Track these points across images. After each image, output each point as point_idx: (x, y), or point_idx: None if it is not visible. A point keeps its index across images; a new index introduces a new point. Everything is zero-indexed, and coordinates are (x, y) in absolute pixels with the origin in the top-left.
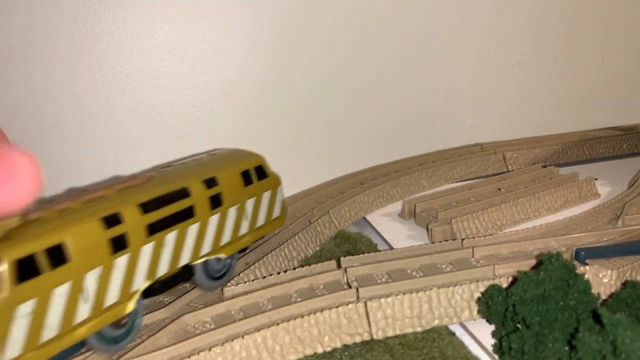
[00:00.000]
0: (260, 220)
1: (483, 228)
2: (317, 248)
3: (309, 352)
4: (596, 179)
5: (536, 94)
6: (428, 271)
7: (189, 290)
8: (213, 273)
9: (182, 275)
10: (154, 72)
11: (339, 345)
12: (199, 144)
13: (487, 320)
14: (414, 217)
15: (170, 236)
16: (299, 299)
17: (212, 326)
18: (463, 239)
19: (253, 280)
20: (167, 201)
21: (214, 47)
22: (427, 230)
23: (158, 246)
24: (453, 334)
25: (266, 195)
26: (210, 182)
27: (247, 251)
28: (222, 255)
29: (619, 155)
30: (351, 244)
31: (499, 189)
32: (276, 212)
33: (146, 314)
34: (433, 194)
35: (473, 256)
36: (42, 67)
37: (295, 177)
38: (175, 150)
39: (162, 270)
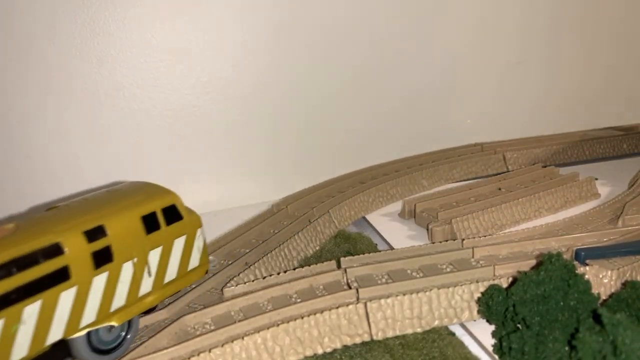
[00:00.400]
0: (171, 274)
1: (483, 228)
2: (317, 248)
3: (309, 353)
4: (596, 179)
5: (537, 94)
6: (428, 271)
7: (189, 291)
8: (102, 345)
9: (56, 353)
10: (154, 72)
11: (338, 346)
12: (199, 144)
13: (487, 321)
14: (414, 217)
15: (32, 309)
16: (299, 300)
17: (212, 327)
18: (463, 239)
19: (253, 281)
20: (28, 263)
21: (214, 47)
22: (427, 230)
23: (10, 324)
24: (453, 334)
25: (179, 243)
26: (95, 233)
27: (248, 251)
28: (113, 324)
29: (619, 155)
30: (351, 244)
31: (499, 189)
32: (194, 262)
33: (146, 314)
34: (433, 194)
35: (473, 256)
36: (41, 67)
37: (295, 175)
38: (175, 151)
39: (20, 353)
